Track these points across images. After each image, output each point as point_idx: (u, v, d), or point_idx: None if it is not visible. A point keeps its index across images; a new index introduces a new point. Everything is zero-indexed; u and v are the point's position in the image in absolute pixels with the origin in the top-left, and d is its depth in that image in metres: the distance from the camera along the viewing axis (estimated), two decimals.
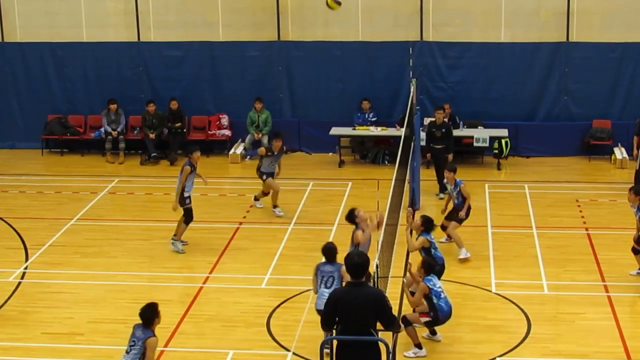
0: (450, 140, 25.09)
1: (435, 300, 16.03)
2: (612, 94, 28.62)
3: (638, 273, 19.41)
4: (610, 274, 19.95)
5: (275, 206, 23.56)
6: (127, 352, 13.51)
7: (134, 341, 13.54)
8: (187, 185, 20.87)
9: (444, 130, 24.91)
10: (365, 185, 25.32)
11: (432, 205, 24.32)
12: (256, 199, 24.06)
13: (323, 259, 16.32)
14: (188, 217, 21.05)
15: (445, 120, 25.90)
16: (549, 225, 22.93)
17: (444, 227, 21.05)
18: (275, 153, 23.27)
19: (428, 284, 16.07)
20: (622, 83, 28.51)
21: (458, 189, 20.89)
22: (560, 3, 28.34)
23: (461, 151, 28.20)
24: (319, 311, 15.67)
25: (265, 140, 28.46)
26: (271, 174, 23.34)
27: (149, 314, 13.62)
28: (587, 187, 26.01)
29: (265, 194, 23.79)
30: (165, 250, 21.17)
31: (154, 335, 13.54)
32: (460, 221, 20.70)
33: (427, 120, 27.37)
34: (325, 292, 15.44)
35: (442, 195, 24.58)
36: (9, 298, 18.96)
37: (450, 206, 21.18)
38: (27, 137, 29.77)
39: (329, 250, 15.97)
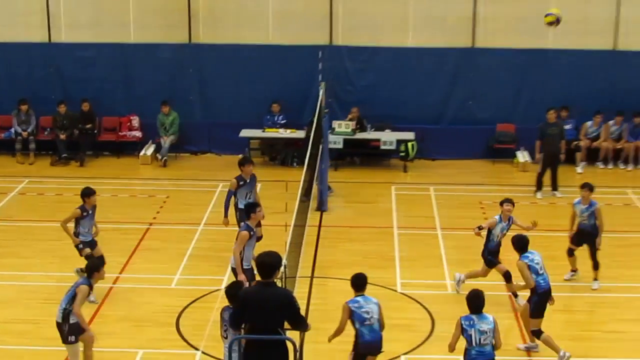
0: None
1: (535, 277, 16.18)
2: (516, 99, 29.07)
3: (572, 275, 19.77)
4: (512, 274, 20.28)
5: None
6: (225, 337, 13.67)
7: (225, 325, 13.66)
8: (81, 229, 18.57)
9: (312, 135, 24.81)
10: (275, 187, 25.47)
11: (339, 207, 24.56)
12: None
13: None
14: None
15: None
16: (453, 226, 23.23)
17: None
18: (248, 181, 19.86)
19: (525, 260, 16.28)
20: (526, 88, 28.96)
21: None
22: (466, 9, 28.72)
23: (368, 154, 28.54)
24: None
25: (167, 144, 28.59)
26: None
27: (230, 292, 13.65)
28: (491, 189, 26.33)
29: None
30: (76, 250, 21.12)
31: None
32: None
33: (335, 123, 27.63)
34: None
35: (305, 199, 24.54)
36: None
37: None
38: None
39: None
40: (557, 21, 21.57)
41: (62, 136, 28.38)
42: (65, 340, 15.00)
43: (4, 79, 29.25)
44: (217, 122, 29.46)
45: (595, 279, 19.41)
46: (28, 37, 29.29)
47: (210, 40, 29.27)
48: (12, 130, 28.80)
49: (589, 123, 28.51)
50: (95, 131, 29.06)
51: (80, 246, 18.59)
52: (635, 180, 27.33)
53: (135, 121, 29.36)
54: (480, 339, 13.97)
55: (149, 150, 28.76)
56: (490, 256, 18.59)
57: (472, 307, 14.23)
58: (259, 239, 18.36)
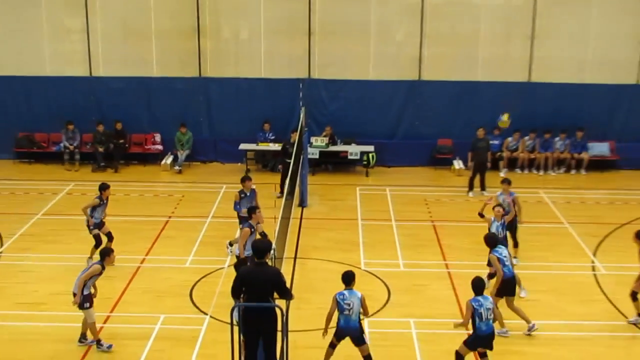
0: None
1: (502, 267, 15.88)
2: (453, 120, 28.99)
3: None
4: (450, 255, 20.35)
5: (231, 243, 20.04)
6: None
7: None
8: (95, 214, 18.95)
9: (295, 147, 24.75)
10: (266, 188, 25.40)
11: (316, 204, 24.49)
12: (231, 244, 20.05)
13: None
14: None
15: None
16: (404, 218, 23.21)
17: None
18: (248, 194, 19.42)
19: (496, 254, 15.97)
20: (460, 112, 28.90)
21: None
22: (414, 50, 28.71)
23: (339, 162, 28.49)
24: None
25: (183, 156, 28.45)
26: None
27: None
28: (433, 189, 26.34)
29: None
30: (104, 237, 20.98)
31: None
32: None
33: (312, 139, 27.55)
34: None
35: (279, 195, 24.04)
36: None
37: None
38: (2, 150, 29.19)
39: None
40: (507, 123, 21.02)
41: (100, 149, 28.25)
42: (81, 307, 15.10)
43: (54, 105, 29.04)
44: (221, 138, 29.32)
45: (515, 257, 19.40)
46: (73, 72, 29.12)
47: (215, 74, 29.14)
48: (61, 144, 28.66)
49: (509, 138, 28.56)
50: (126, 145, 28.91)
51: (92, 227, 18.87)
52: (545, 182, 27.39)
53: (157, 137, 29.23)
54: (487, 315, 13.86)
55: (168, 160, 28.62)
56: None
57: (478, 290, 14.00)
58: (264, 235, 17.92)
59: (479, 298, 13.95)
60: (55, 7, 29.01)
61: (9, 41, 29.01)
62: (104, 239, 19.17)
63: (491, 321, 13.95)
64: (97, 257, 15.69)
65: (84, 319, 15.39)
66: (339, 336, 14.11)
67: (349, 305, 13.85)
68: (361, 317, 14.08)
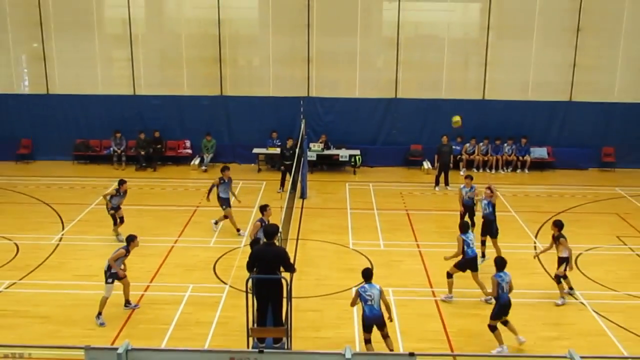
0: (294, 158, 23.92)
1: (465, 248, 15.64)
2: (422, 129, 28.81)
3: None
4: (420, 237, 20.19)
5: (238, 229, 20.07)
6: None
7: None
8: (113, 201, 19.52)
9: (291, 152, 24.50)
10: (274, 184, 25.33)
11: (314, 196, 24.37)
12: (216, 222, 20.38)
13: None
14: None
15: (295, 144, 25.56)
16: (384, 208, 23.07)
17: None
18: (226, 181, 19.90)
19: (463, 237, 15.66)
20: (428, 123, 28.72)
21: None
22: (391, 74, 28.55)
23: (332, 163, 28.35)
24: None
25: (208, 159, 28.29)
26: (227, 200, 19.97)
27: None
28: (407, 185, 26.17)
29: (225, 217, 20.11)
30: (150, 222, 20.85)
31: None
32: None
33: (311, 144, 27.42)
34: None
35: (280, 190, 24.12)
36: (51, 254, 18.58)
37: None
38: (63, 153, 28.92)
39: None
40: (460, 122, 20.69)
41: (142, 152, 28.04)
42: (105, 281, 14.93)
43: (105, 117, 28.89)
44: (238, 144, 29.14)
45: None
46: (121, 91, 28.95)
47: (234, 93, 28.95)
48: (111, 149, 28.48)
49: (467, 144, 28.43)
50: (163, 149, 28.70)
51: (109, 209, 19.40)
52: (496, 179, 27.18)
53: (188, 143, 29.05)
54: (506, 288, 13.71)
55: (196, 161, 28.45)
56: (483, 224, 17.61)
57: (500, 267, 13.80)
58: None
59: (501, 274, 13.74)
60: (106, 41, 28.86)
61: (70, 67, 28.84)
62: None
63: (508, 292, 13.71)
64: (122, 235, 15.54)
65: (125, 288, 15.25)
66: (367, 327, 13.18)
67: (370, 296, 13.17)
68: (385, 316, 13.23)
